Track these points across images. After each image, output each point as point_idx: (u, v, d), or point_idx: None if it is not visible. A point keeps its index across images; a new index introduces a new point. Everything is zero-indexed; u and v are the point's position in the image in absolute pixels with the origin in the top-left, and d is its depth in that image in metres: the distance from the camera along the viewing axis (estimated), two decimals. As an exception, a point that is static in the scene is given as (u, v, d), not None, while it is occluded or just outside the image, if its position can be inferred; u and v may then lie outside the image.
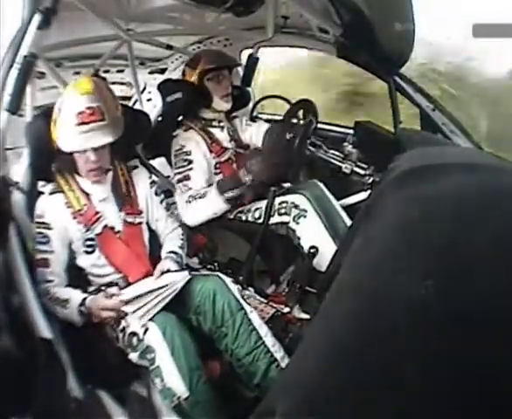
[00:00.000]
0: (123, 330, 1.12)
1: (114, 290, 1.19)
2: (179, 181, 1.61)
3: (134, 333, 1.09)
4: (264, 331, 1.18)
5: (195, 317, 1.20)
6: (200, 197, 1.54)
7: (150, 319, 1.09)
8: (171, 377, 1.02)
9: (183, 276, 1.19)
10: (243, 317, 1.17)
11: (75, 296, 1.13)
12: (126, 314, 1.11)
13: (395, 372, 0.34)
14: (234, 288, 1.22)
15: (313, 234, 1.52)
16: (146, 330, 1.07)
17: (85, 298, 1.12)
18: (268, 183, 1.52)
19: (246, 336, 1.16)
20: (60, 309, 1.10)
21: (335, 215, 1.66)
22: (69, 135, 1.14)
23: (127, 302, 1.09)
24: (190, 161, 1.60)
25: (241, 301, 1.20)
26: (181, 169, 1.61)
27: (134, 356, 1.07)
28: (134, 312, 1.08)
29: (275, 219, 1.58)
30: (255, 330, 1.17)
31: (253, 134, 1.88)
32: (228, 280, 1.24)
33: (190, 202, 1.55)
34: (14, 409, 0.77)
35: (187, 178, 1.59)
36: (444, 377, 0.32)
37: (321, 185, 1.74)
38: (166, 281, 1.15)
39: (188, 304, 1.21)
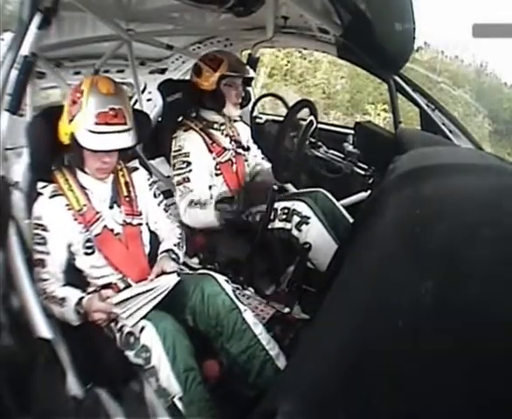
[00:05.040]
0: (121, 329, 1.12)
1: (110, 292, 1.18)
2: (179, 183, 1.61)
3: (131, 333, 1.09)
4: (258, 329, 1.19)
5: (191, 317, 1.21)
6: (200, 207, 1.56)
7: (147, 319, 1.09)
8: (166, 377, 1.03)
9: (173, 278, 1.19)
10: (237, 316, 1.17)
11: (72, 295, 1.12)
12: (117, 317, 1.11)
13: (395, 373, 0.34)
14: (228, 287, 1.22)
15: (317, 240, 1.52)
16: (142, 329, 1.08)
17: (81, 298, 1.12)
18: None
19: (241, 335, 1.16)
20: (57, 307, 1.10)
21: (339, 220, 1.66)
22: (89, 133, 1.14)
23: (117, 304, 1.10)
24: (189, 163, 1.61)
25: (235, 300, 1.20)
26: (180, 171, 1.62)
27: (130, 354, 1.08)
28: (122, 313, 1.09)
29: (276, 224, 1.57)
30: (249, 328, 1.17)
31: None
32: (222, 279, 1.24)
33: (190, 206, 1.57)
34: (14, 409, 0.77)
35: (187, 180, 1.60)
36: (444, 377, 0.32)
37: (326, 192, 1.73)
38: (155, 283, 1.16)
39: (183, 304, 1.21)
